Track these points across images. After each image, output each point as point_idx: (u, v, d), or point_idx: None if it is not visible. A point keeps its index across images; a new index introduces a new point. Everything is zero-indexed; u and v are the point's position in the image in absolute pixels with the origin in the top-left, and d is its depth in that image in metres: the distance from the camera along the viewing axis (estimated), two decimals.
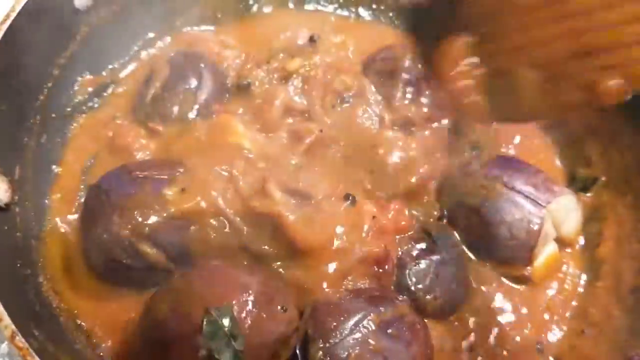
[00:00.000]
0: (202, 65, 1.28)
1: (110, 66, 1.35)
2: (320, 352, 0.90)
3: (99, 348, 1.02)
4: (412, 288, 1.06)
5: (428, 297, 1.05)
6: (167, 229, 1.01)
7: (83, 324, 1.04)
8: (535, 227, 1.08)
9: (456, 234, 1.16)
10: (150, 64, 1.35)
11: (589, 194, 1.23)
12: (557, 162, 1.30)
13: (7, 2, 1.08)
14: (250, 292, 0.90)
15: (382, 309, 0.96)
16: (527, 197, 1.10)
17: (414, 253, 1.09)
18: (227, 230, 1.03)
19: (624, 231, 1.16)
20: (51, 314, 1.03)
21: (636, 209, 1.16)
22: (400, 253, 1.08)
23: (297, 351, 0.95)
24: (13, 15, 1.07)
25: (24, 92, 1.15)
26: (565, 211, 1.14)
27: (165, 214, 1.00)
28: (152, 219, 1.00)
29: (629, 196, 1.17)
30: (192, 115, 1.22)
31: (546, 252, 1.13)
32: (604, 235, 1.18)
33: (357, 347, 0.90)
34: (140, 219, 0.99)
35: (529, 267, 1.11)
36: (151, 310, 0.93)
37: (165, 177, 1.05)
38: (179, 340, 0.87)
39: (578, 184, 1.24)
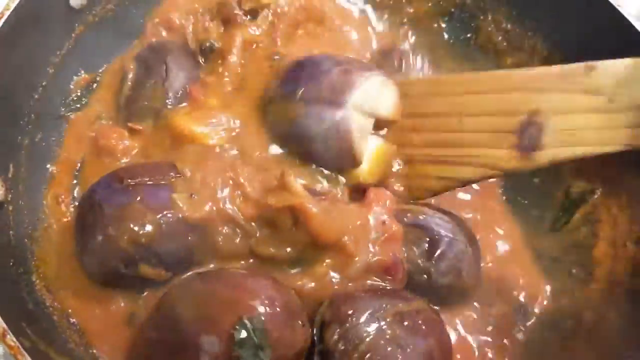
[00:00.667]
0: (166, 53, 1.26)
1: (105, 65, 1.34)
2: (336, 336, 0.92)
3: (93, 347, 1.02)
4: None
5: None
6: (165, 237, 0.99)
7: (76, 322, 1.04)
8: (342, 130, 1.06)
9: None
10: (121, 63, 1.34)
11: None
12: None
13: (1, 1, 1.09)
14: (277, 304, 0.91)
15: (399, 302, 0.98)
16: (323, 103, 1.07)
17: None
18: (236, 234, 1.03)
19: (618, 233, 1.16)
20: (44, 313, 1.03)
21: (631, 210, 1.15)
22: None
23: (314, 337, 0.97)
24: (7, 13, 1.06)
25: (18, 90, 1.15)
26: (374, 95, 1.11)
27: (167, 220, 1.00)
28: (148, 228, 0.98)
29: (623, 197, 1.17)
30: (169, 106, 1.21)
31: (370, 147, 1.12)
32: (599, 237, 1.18)
33: (373, 334, 0.91)
34: (136, 229, 0.98)
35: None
36: (167, 311, 0.94)
37: (164, 182, 1.03)
38: (200, 343, 0.87)
39: (573, 201, 1.24)
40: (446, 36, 1.48)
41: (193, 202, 1.01)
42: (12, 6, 1.08)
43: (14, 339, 0.81)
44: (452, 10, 1.47)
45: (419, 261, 1.07)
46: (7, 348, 0.80)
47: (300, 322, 0.94)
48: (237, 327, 0.86)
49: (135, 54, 1.30)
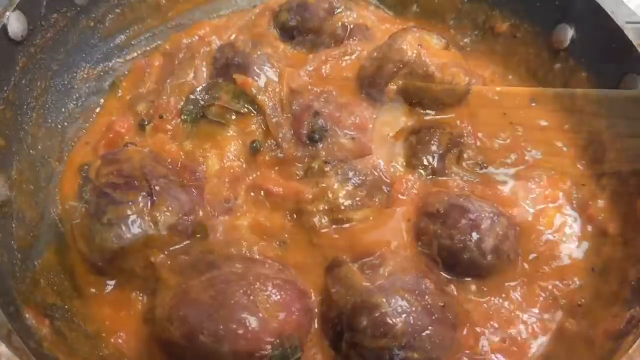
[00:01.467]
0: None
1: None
2: (365, 322, 0.99)
3: (100, 348, 1.05)
4: None
5: None
6: None
7: (82, 323, 1.07)
8: None
9: None
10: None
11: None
12: None
13: None
14: (302, 314, 1.02)
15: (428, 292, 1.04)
16: None
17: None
18: None
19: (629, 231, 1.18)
20: (50, 316, 1.05)
21: None
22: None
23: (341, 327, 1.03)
24: None
25: None
26: None
27: None
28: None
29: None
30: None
31: None
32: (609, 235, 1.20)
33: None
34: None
35: None
36: (193, 322, 0.96)
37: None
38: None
39: None
40: None
41: None
42: None
43: (19, 340, 0.83)
44: None
45: (462, 238, 1.10)
46: (12, 350, 0.82)
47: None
48: (277, 343, 0.95)
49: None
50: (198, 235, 1.13)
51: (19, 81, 1.26)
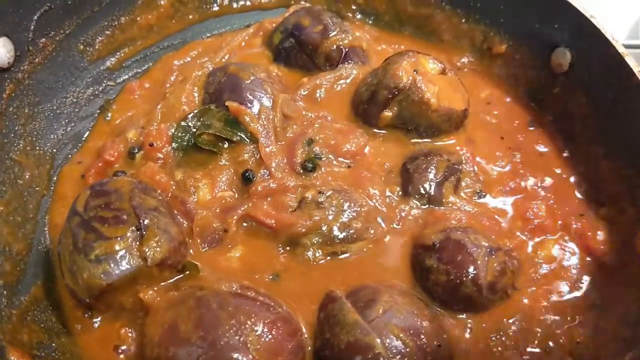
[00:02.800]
0: None
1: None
2: None
3: None
4: None
5: None
6: None
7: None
8: None
9: None
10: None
11: None
12: None
13: None
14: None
15: None
16: None
17: None
18: None
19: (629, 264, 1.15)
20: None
21: None
22: None
23: None
24: None
25: None
26: None
27: None
28: None
29: None
30: None
31: None
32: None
33: None
34: None
35: None
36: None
37: None
38: None
39: None
40: None
41: None
42: None
43: None
44: None
45: (458, 274, 1.08)
46: None
47: None
48: None
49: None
50: (187, 272, 1.11)
51: (6, 109, 1.25)
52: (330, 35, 1.42)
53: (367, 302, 1.05)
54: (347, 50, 1.42)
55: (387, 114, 1.29)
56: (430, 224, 1.18)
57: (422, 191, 1.23)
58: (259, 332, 0.96)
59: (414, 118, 1.29)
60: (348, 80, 1.39)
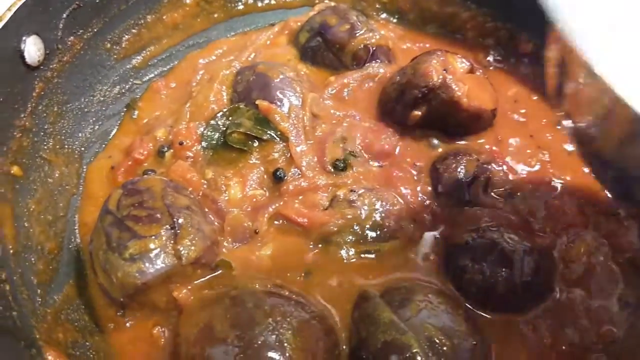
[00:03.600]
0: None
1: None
2: None
3: None
4: None
5: None
6: None
7: None
8: None
9: None
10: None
11: None
12: None
13: None
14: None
15: None
16: None
17: None
18: None
19: None
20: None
21: None
22: None
23: None
24: None
25: None
26: None
27: None
28: None
29: None
30: None
31: None
32: None
33: None
34: None
35: None
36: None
37: None
38: None
39: None
40: None
41: None
42: None
43: None
44: None
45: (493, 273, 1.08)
46: None
47: None
48: None
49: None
50: (221, 271, 1.11)
51: (36, 107, 1.24)
52: (357, 34, 1.43)
53: (402, 301, 1.05)
54: (374, 49, 1.42)
55: (417, 113, 1.28)
56: (462, 224, 1.18)
57: (453, 190, 1.23)
58: (295, 331, 0.97)
59: (444, 117, 1.28)
60: (376, 80, 1.39)
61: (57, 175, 1.27)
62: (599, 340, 1.08)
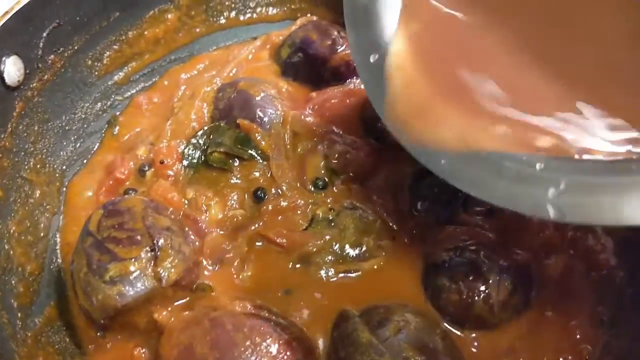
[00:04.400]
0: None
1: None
2: None
3: None
4: None
5: None
6: None
7: None
8: None
9: None
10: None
11: None
12: None
13: None
14: None
15: None
16: None
17: None
18: None
19: None
20: None
21: None
22: None
23: None
24: None
25: None
26: None
27: None
28: None
29: None
30: None
31: None
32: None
33: None
34: None
35: None
36: None
37: None
38: None
39: None
40: None
41: None
42: None
43: None
44: None
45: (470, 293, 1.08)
46: None
47: None
48: None
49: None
50: (202, 291, 1.12)
51: (16, 127, 1.25)
52: (339, 50, 1.43)
53: (381, 321, 1.05)
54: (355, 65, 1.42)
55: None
56: (441, 242, 1.19)
57: (432, 208, 1.24)
58: (274, 353, 0.98)
59: None
60: (356, 95, 1.39)
61: (38, 194, 1.27)
62: (574, 358, 1.09)
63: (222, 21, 1.65)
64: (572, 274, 1.18)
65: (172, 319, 1.06)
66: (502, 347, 1.09)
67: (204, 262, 1.16)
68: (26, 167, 1.26)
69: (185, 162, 1.28)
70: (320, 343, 1.08)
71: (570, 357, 1.08)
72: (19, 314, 1.11)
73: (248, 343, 0.97)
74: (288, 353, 0.99)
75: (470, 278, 1.09)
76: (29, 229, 1.22)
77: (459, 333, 1.10)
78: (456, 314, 1.11)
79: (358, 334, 1.03)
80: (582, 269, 1.18)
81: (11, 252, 1.16)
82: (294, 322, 1.09)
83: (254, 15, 1.67)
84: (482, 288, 1.08)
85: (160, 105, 1.47)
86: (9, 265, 1.14)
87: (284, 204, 1.20)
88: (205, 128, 1.32)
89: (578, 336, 1.10)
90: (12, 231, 1.18)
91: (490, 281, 1.09)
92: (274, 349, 0.98)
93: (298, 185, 1.24)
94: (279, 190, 1.23)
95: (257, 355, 0.96)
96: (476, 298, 1.08)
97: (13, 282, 1.13)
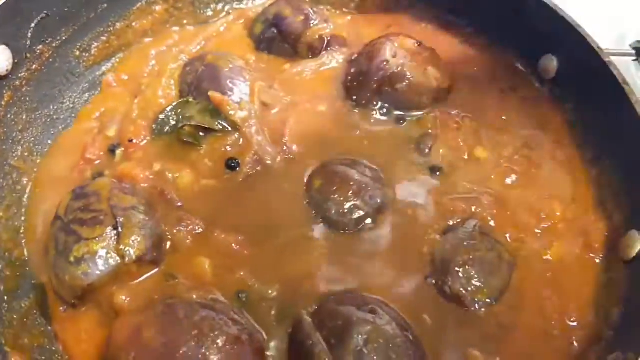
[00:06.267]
0: None
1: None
2: None
3: None
4: None
5: None
6: None
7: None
8: None
9: None
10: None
11: None
12: None
13: None
14: None
15: None
16: None
17: None
18: None
19: None
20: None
21: None
22: None
23: None
24: None
25: None
26: None
27: None
28: None
29: None
30: None
31: None
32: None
33: None
34: None
35: None
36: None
37: None
38: None
39: None
40: None
41: None
42: None
43: None
44: None
45: None
46: None
47: None
48: None
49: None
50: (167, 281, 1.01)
51: (4, 116, 1.15)
52: (312, 24, 1.29)
53: (340, 335, 0.88)
54: (329, 39, 1.28)
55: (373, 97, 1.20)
56: None
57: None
58: (220, 345, 0.85)
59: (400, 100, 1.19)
60: (331, 66, 1.28)
61: (25, 182, 1.17)
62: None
63: (210, 13, 1.52)
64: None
65: (129, 299, 0.97)
66: None
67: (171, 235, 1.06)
68: (14, 155, 1.17)
69: (154, 137, 1.18)
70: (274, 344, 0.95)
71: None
72: (6, 297, 1.02)
73: (195, 332, 0.84)
74: (235, 347, 0.85)
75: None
76: (16, 215, 1.13)
77: None
78: None
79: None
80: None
81: None
82: (248, 318, 0.97)
83: (241, 6, 1.54)
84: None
85: (128, 82, 1.34)
86: None
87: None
88: (174, 104, 1.19)
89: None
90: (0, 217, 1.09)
91: None
92: (220, 341, 0.85)
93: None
94: (253, 160, 1.13)
95: (202, 346, 0.83)
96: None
97: (0, 266, 1.05)
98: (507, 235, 1.04)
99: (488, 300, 0.96)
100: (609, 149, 1.11)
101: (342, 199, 1.03)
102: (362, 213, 1.03)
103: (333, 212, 1.03)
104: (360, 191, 1.03)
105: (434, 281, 0.98)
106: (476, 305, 0.95)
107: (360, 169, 1.06)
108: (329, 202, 1.04)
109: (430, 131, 1.17)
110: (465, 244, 0.97)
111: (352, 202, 1.03)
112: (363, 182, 1.03)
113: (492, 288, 0.96)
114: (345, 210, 1.03)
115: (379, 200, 1.03)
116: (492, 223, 1.05)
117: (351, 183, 1.04)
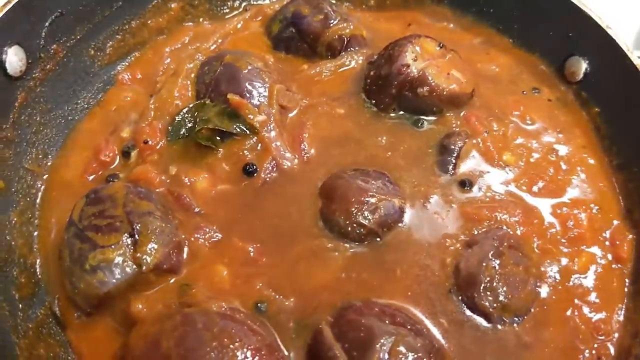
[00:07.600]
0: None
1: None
2: None
3: None
4: None
5: None
6: None
7: None
8: None
9: None
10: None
11: None
12: None
13: None
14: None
15: None
16: None
17: None
18: None
19: None
20: None
21: None
22: None
23: None
24: None
25: None
26: None
27: None
28: None
29: None
30: None
31: None
32: None
33: None
34: None
35: None
36: None
37: None
38: None
39: None
40: None
41: None
42: None
43: None
44: None
45: None
46: None
47: None
48: None
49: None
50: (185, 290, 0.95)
51: (18, 118, 1.09)
52: (332, 24, 1.21)
53: (362, 347, 0.83)
54: (348, 39, 1.21)
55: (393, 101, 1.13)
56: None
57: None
58: (240, 358, 0.80)
59: (421, 103, 1.12)
60: (350, 68, 1.21)
61: (39, 185, 1.12)
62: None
63: (226, 10, 1.44)
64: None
65: (146, 309, 0.91)
66: None
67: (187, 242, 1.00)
68: (28, 157, 1.11)
69: (169, 139, 1.11)
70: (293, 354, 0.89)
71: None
72: (20, 306, 0.97)
73: (215, 344, 0.79)
74: (255, 359, 0.82)
75: None
76: (30, 220, 1.08)
77: None
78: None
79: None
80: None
81: (12, 243, 1.01)
82: (269, 328, 0.91)
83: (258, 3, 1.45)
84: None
85: (143, 80, 1.28)
86: (10, 256, 0.99)
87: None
88: (190, 105, 1.13)
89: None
90: (13, 222, 1.03)
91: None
92: (240, 353, 0.80)
93: (295, 158, 1.07)
94: (272, 164, 1.06)
95: (222, 358, 0.79)
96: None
97: (14, 273, 0.99)
98: (534, 245, 0.98)
99: (516, 318, 0.91)
100: (638, 155, 1.05)
101: (354, 210, 0.98)
102: (374, 226, 0.98)
103: (346, 223, 0.98)
104: (371, 202, 0.98)
105: (458, 294, 0.90)
106: (502, 321, 0.89)
107: (375, 178, 1.03)
108: (341, 214, 0.99)
109: (452, 135, 1.10)
110: (491, 258, 0.89)
111: (363, 214, 0.98)
112: (377, 191, 0.98)
113: (519, 305, 0.91)
114: (357, 222, 0.98)
115: (393, 212, 0.98)
116: (518, 231, 0.96)
117: (363, 195, 0.98)
